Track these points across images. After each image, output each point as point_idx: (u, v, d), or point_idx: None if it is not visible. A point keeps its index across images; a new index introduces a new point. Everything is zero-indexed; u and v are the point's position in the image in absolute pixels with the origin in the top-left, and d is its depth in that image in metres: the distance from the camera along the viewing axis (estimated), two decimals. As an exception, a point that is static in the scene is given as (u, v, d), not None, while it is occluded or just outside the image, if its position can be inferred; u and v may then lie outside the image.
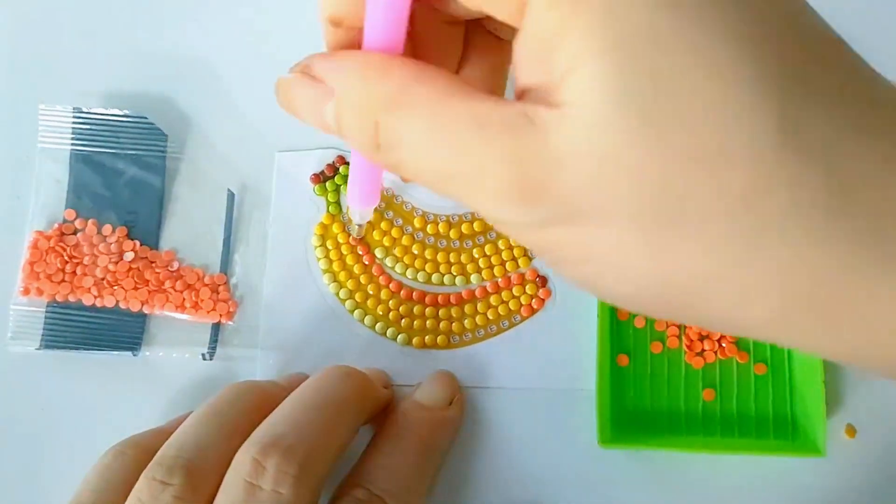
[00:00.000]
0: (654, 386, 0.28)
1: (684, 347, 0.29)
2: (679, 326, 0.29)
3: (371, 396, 0.26)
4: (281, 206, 0.31)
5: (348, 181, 0.25)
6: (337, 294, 0.30)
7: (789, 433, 0.28)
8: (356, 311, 0.30)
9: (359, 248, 0.31)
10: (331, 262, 0.31)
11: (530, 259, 0.30)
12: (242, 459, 0.21)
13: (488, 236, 0.31)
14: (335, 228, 0.31)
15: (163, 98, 0.33)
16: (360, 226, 0.29)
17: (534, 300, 0.30)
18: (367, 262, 0.31)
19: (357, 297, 0.30)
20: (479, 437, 0.29)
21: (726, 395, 0.28)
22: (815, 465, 0.27)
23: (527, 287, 0.30)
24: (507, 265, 0.30)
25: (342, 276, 0.31)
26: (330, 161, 0.32)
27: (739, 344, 0.29)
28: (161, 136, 0.32)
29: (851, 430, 0.28)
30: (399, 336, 0.30)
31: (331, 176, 0.32)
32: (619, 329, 0.29)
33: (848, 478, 0.28)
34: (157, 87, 0.33)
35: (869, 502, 0.27)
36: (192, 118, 0.33)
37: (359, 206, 0.24)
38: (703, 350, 0.29)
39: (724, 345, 0.29)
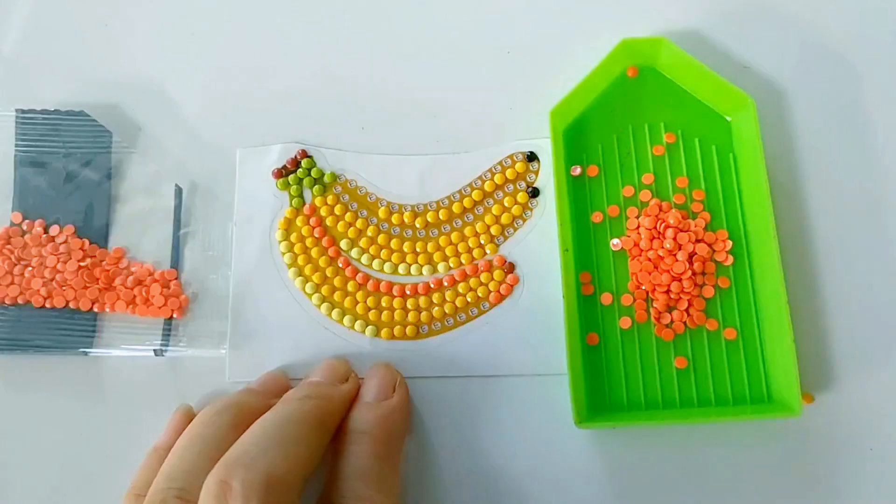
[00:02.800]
0: (627, 362, 0.29)
1: (653, 321, 0.29)
2: (646, 300, 0.29)
3: (333, 406, 0.26)
4: (244, 202, 0.31)
5: None
6: (303, 289, 0.30)
7: (764, 396, 0.28)
8: (323, 306, 0.30)
9: (324, 240, 0.30)
10: (296, 256, 0.30)
11: (497, 245, 0.31)
12: (209, 484, 0.21)
13: (454, 224, 0.31)
14: (299, 222, 0.31)
15: (111, 105, 0.32)
16: None
17: (502, 286, 0.30)
18: (332, 255, 0.30)
19: (324, 290, 0.30)
20: (452, 427, 0.28)
21: (699, 364, 0.28)
22: (791, 425, 0.28)
23: (494, 273, 0.30)
24: (475, 252, 0.30)
25: (308, 269, 0.30)
26: (291, 155, 0.31)
27: (707, 312, 0.29)
28: (104, 133, 0.31)
29: (809, 397, 0.28)
30: (368, 328, 0.29)
31: (293, 170, 0.31)
32: (585, 307, 0.29)
33: (825, 435, 0.28)
34: (105, 99, 0.33)
35: (845, 459, 0.28)
36: (143, 121, 0.32)
37: None
38: (672, 321, 0.29)
39: (691, 314, 0.29)
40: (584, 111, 0.31)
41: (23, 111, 0.31)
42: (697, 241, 0.29)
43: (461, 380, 0.29)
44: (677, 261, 0.29)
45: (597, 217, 0.30)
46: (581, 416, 0.27)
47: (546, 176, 0.31)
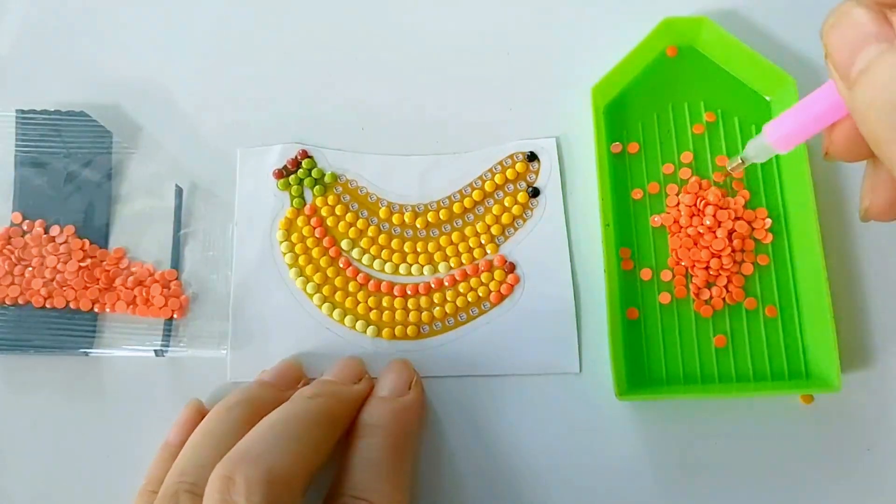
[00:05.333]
0: (667, 337, 0.29)
1: (692, 297, 0.29)
2: (685, 276, 0.29)
3: (342, 404, 0.26)
4: (244, 202, 0.31)
5: (782, 116, 0.22)
6: (304, 289, 0.30)
7: (802, 372, 0.28)
8: (324, 306, 0.30)
9: (324, 241, 0.31)
10: (297, 256, 0.30)
11: (498, 245, 0.31)
12: (214, 480, 0.21)
13: (454, 224, 0.31)
14: (300, 222, 0.31)
15: (111, 105, 0.32)
16: (742, 162, 0.25)
17: (503, 286, 0.30)
18: (333, 256, 0.30)
19: (325, 290, 0.30)
20: (454, 426, 0.28)
21: (738, 340, 0.29)
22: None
23: (495, 273, 0.30)
24: (475, 252, 0.30)
25: (309, 270, 0.30)
26: (292, 156, 0.32)
27: (747, 288, 0.29)
28: (105, 133, 0.31)
29: (808, 398, 0.28)
30: (369, 328, 0.29)
31: (293, 170, 0.31)
32: (625, 282, 0.29)
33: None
34: (105, 99, 0.33)
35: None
36: (143, 121, 0.32)
37: (777, 146, 0.22)
38: (711, 297, 0.29)
39: (730, 290, 0.29)
40: (624, 89, 0.32)
41: (23, 111, 0.31)
42: (737, 218, 0.30)
43: (462, 379, 0.29)
44: (717, 237, 0.29)
45: (637, 194, 0.30)
46: (621, 389, 0.27)
47: (546, 176, 0.31)
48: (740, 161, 0.25)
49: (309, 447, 0.23)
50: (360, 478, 0.24)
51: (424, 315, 0.30)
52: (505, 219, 0.31)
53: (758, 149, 0.23)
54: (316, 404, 0.24)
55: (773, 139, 0.22)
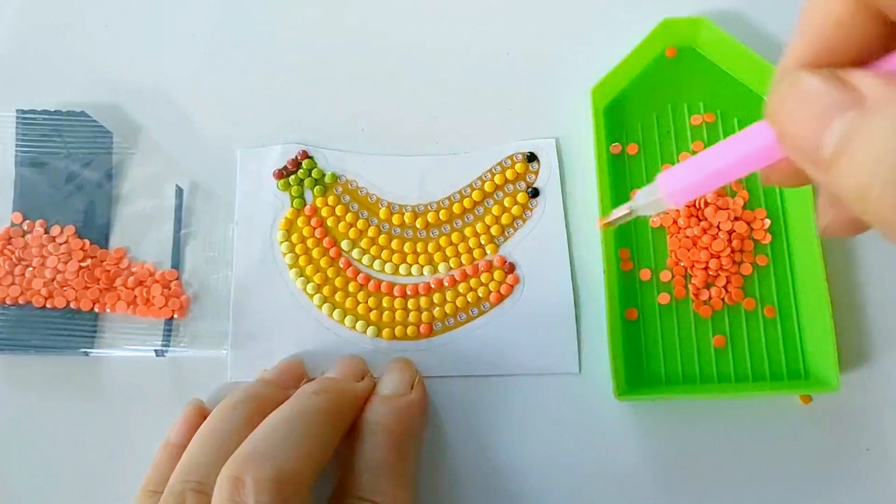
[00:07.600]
0: (665, 338, 0.29)
1: (691, 297, 0.29)
2: (684, 276, 0.29)
3: (346, 401, 0.26)
4: (245, 202, 0.31)
5: (679, 167, 0.19)
6: (304, 289, 0.30)
7: (801, 372, 0.28)
8: (325, 306, 0.30)
9: (325, 241, 0.31)
10: (297, 257, 0.30)
11: (497, 246, 0.31)
12: (221, 481, 0.21)
13: (454, 224, 0.31)
14: (300, 223, 0.31)
15: (111, 105, 0.32)
16: (629, 212, 0.21)
17: (502, 287, 0.30)
18: (333, 256, 0.30)
19: (325, 291, 0.30)
20: (454, 426, 0.28)
21: (737, 341, 0.29)
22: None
23: (495, 274, 0.30)
24: (475, 252, 0.30)
25: (309, 270, 0.30)
26: (292, 156, 0.32)
27: (745, 289, 0.29)
28: (105, 133, 0.31)
29: (807, 398, 0.28)
30: (369, 329, 0.29)
31: (294, 170, 0.31)
32: (625, 283, 0.29)
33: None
34: (105, 99, 0.33)
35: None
36: (143, 121, 0.32)
37: (670, 200, 0.19)
38: (710, 298, 0.29)
39: (729, 290, 0.29)
40: (623, 90, 0.32)
41: (23, 111, 0.31)
42: (736, 219, 0.30)
43: (462, 379, 0.29)
44: (716, 238, 0.29)
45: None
46: (620, 389, 0.27)
47: (546, 176, 0.31)
48: (628, 211, 0.21)
49: (315, 444, 0.23)
50: (366, 478, 0.24)
51: (424, 315, 0.30)
52: (505, 219, 0.31)
53: (648, 200, 0.20)
54: (320, 401, 0.24)
55: (666, 193, 0.19)
